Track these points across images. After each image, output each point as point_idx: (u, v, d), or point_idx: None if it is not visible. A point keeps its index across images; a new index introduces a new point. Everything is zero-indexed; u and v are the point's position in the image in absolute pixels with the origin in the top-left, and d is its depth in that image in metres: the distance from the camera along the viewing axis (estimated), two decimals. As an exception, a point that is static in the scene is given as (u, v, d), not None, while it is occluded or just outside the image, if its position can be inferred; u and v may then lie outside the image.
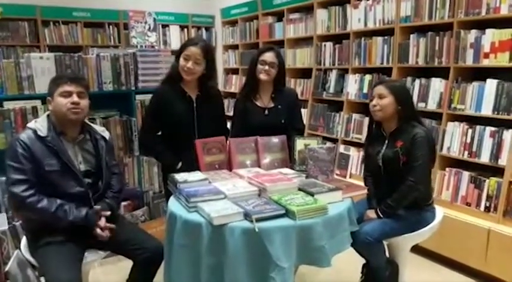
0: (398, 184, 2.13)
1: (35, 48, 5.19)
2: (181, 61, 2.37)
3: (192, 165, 2.26)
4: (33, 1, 5.07)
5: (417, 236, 2.19)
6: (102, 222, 1.97)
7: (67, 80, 2.00)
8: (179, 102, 2.44)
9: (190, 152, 2.29)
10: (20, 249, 2.03)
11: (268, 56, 2.52)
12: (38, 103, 2.62)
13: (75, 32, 5.45)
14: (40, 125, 1.96)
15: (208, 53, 2.42)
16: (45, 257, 1.85)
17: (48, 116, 2.03)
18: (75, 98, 1.97)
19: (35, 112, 2.60)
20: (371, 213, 2.19)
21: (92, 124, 2.20)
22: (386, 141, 2.23)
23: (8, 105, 2.57)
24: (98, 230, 1.94)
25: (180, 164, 2.42)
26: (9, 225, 2.52)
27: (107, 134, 2.20)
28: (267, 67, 2.51)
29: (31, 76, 2.62)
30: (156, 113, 2.47)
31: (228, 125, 2.74)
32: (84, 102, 2.02)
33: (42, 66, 2.64)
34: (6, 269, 1.98)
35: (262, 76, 2.52)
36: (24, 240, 2.07)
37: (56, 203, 1.89)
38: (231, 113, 2.83)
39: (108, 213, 2.01)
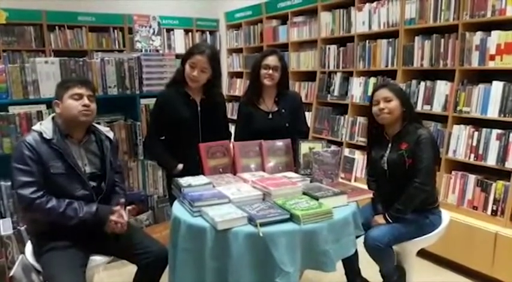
0: (405, 187, 2.11)
1: (41, 52, 5.23)
2: (187, 69, 2.37)
3: (196, 169, 2.25)
4: (39, 6, 5.10)
5: (424, 240, 2.18)
6: (115, 216, 1.97)
7: (77, 83, 2.01)
8: (183, 105, 2.44)
9: (193, 155, 2.28)
10: (24, 254, 2.03)
11: (271, 60, 2.51)
12: (43, 108, 2.64)
13: (80, 37, 5.48)
14: (45, 127, 1.96)
15: (215, 60, 2.41)
16: (49, 262, 1.85)
17: (53, 118, 2.03)
18: (86, 101, 1.98)
19: (40, 117, 2.61)
20: (379, 219, 2.17)
21: (96, 125, 2.20)
22: (390, 145, 2.22)
23: (13, 109, 2.59)
24: (112, 224, 1.95)
25: (181, 166, 2.42)
26: (14, 229, 2.53)
27: (111, 134, 2.20)
28: (270, 71, 2.50)
29: (36, 81, 2.64)
30: (160, 116, 2.47)
31: (232, 129, 2.74)
32: (94, 106, 2.04)
33: (47, 71, 2.65)
34: (11, 273, 1.98)
35: (267, 81, 2.52)
36: (29, 245, 2.07)
37: (64, 202, 1.89)
38: (235, 117, 2.83)
39: (123, 200, 2.05)
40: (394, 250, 2.22)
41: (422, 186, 2.08)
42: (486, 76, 2.87)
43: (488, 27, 2.79)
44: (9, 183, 2.48)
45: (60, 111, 2.00)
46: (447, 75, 3.07)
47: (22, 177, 1.86)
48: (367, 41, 3.69)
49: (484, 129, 2.81)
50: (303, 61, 4.51)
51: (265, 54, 2.57)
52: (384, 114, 2.17)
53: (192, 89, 2.46)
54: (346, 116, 3.90)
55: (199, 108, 2.46)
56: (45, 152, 1.90)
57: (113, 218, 1.95)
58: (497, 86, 2.73)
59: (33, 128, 2.00)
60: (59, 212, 1.87)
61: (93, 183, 2.02)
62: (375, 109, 2.21)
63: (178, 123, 2.43)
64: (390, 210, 2.15)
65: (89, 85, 2.06)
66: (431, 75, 3.22)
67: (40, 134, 1.93)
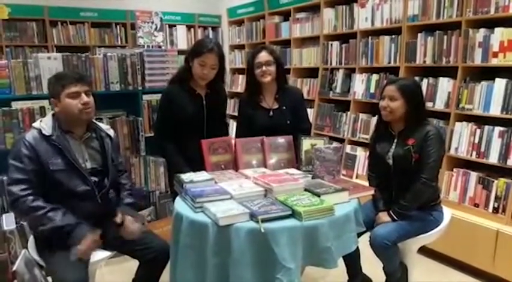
0: (409, 183, 2.11)
1: (43, 48, 5.24)
2: (197, 68, 2.36)
3: (199, 164, 2.25)
4: (41, 1, 5.11)
5: (426, 237, 2.18)
6: (84, 244, 1.84)
7: (72, 80, 1.97)
8: (189, 101, 2.44)
9: (197, 150, 2.28)
10: (27, 248, 2.04)
11: (262, 56, 2.49)
12: (45, 103, 2.64)
13: (82, 32, 5.49)
14: (45, 124, 1.96)
15: (221, 56, 2.42)
16: (52, 257, 1.86)
17: (53, 115, 2.02)
18: (84, 98, 1.97)
19: (42, 112, 2.62)
20: (384, 216, 2.16)
21: (97, 122, 2.20)
22: (396, 140, 2.21)
23: (16, 105, 2.60)
24: (79, 247, 1.82)
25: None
26: (17, 224, 2.53)
27: (111, 132, 2.20)
28: (264, 68, 2.48)
29: (39, 76, 2.64)
30: (168, 113, 2.46)
31: (234, 125, 2.73)
32: (92, 100, 2.03)
33: (50, 67, 2.66)
34: (14, 268, 1.98)
35: (264, 79, 2.50)
36: (31, 240, 2.08)
37: (49, 205, 1.86)
38: (236, 113, 2.83)
39: (99, 233, 1.91)
40: (396, 247, 2.23)
41: (430, 182, 2.08)
42: (489, 73, 2.86)
43: (491, 24, 2.78)
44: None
45: (60, 110, 1.98)
46: (450, 72, 3.06)
47: (15, 174, 1.87)
48: (369, 38, 3.68)
49: (486, 127, 2.80)
50: (305, 57, 4.49)
51: (254, 53, 2.54)
52: (386, 112, 2.17)
53: (198, 84, 2.46)
54: (348, 113, 3.90)
55: (204, 102, 2.46)
56: (44, 149, 1.90)
57: (82, 247, 1.82)
58: (500, 83, 2.72)
59: (33, 125, 2.00)
60: (40, 213, 1.84)
61: (94, 179, 2.02)
62: (380, 104, 2.21)
63: (185, 118, 2.42)
64: (395, 207, 2.14)
65: (83, 80, 2.02)
66: (434, 72, 3.21)
67: (39, 131, 1.94)
